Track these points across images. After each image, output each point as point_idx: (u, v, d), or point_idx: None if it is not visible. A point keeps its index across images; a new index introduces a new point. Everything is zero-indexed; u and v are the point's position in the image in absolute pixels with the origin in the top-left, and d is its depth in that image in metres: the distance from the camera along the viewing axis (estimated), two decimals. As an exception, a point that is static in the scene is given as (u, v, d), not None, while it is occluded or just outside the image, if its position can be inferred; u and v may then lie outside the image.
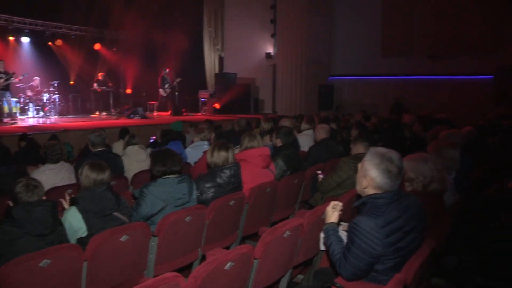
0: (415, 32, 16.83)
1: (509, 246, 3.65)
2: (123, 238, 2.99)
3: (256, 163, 4.43)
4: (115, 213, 3.31)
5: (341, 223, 2.70)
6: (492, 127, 7.63)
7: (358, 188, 2.60)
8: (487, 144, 6.38)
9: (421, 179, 3.08)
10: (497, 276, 3.65)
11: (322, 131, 6.02)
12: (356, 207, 2.59)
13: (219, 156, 4.03)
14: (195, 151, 6.14)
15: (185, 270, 3.52)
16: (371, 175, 2.48)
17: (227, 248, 3.84)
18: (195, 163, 5.66)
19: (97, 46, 16.52)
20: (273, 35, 18.27)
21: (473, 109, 13.79)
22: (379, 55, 17.55)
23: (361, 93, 17.86)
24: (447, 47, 16.10)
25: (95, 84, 14.63)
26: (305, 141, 6.66)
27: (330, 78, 18.53)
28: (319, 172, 4.92)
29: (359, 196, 2.62)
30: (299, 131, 7.30)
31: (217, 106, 16.61)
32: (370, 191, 2.50)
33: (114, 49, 16.86)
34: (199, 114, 16.54)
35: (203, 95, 17.30)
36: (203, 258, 3.67)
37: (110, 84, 14.75)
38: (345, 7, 18.05)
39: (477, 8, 15.52)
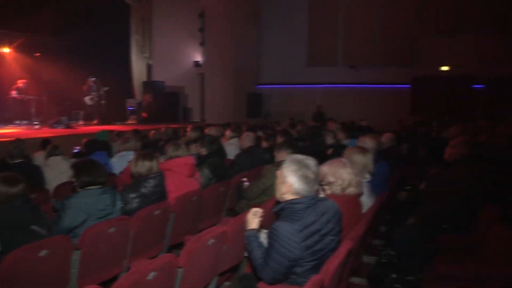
0: (338, 43, 17.61)
1: (416, 243, 3.91)
2: (42, 253, 2.89)
3: (181, 172, 4.44)
4: (33, 227, 3.19)
5: (262, 229, 2.78)
6: (407, 133, 8.10)
7: (278, 194, 2.70)
8: (402, 149, 6.77)
9: (339, 182, 3.25)
10: (409, 271, 3.89)
11: (248, 139, 6.13)
12: (275, 213, 2.68)
13: (143, 166, 4.00)
14: (121, 161, 6.04)
15: (110, 283, 3.45)
16: (289, 181, 2.58)
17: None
18: (120, 173, 5.58)
19: (14, 51, 15.63)
20: (201, 44, 18.29)
21: (392, 117, 14.55)
22: (305, 64, 18.15)
23: (289, 101, 18.27)
24: (369, 57, 16.96)
25: (14, 92, 13.86)
26: (231, 149, 6.73)
27: (258, 86, 18.86)
28: (244, 179, 5.01)
29: (279, 202, 2.71)
30: (225, 139, 7.37)
31: (144, 115, 16.35)
32: (289, 196, 2.60)
33: (37, 54, 16.06)
34: (127, 123, 16.18)
35: (130, 104, 16.95)
36: (129, 270, 3.61)
37: (31, 92, 14.05)
38: (272, 17, 18.49)
39: (395, 22, 16.52)
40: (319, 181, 2.76)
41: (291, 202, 2.57)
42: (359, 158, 3.81)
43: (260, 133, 8.16)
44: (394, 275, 3.88)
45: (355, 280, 4.09)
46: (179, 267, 2.71)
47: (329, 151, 6.00)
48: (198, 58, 18.66)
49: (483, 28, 15.42)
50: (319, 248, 2.53)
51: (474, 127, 11.62)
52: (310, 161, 2.64)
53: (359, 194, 3.38)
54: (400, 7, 16.48)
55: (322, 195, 3.41)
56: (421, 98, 16.15)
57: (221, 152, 6.01)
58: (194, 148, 6.01)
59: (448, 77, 15.84)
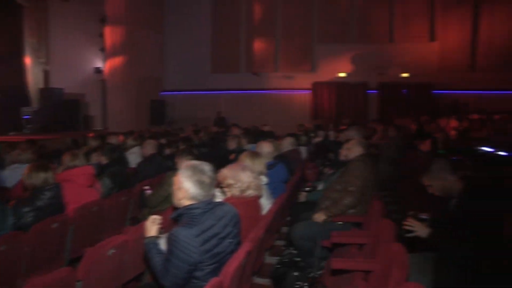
0: (241, 50, 17.96)
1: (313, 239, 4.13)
2: None
3: (80, 183, 4.31)
4: None
5: (162, 236, 2.80)
6: (308, 137, 8.47)
7: (175, 200, 2.73)
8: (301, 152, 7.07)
9: (239, 185, 3.36)
10: (310, 267, 4.10)
11: (150, 147, 6.09)
12: (174, 219, 2.72)
13: (38, 177, 3.85)
14: (14, 173, 5.70)
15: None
16: (185, 187, 2.62)
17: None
18: (14, 186, 5.28)
19: None
20: (102, 50, 17.71)
21: (295, 121, 15.08)
22: (209, 71, 18.29)
23: (194, 107, 18.23)
24: (271, 64, 17.48)
25: None
26: (133, 157, 6.63)
27: (162, 93, 18.66)
28: (146, 187, 4.97)
29: (177, 209, 2.74)
30: (128, 148, 7.24)
31: (42, 123, 15.47)
32: (186, 202, 2.63)
33: None
34: (22, 132, 15.22)
35: (26, 112, 15.94)
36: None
37: None
38: (176, 24, 18.39)
39: (296, 29, 17.19)
40: (216, 185, 2.84)
41: (188, 207, 2.61)
42: (249, 163, 3.94)
43: (163, 140, 8.10)
44: (295, 273, 4.04)
45: (259, 280, 4.20)
46: (78, 281, 2.64)
47: (232, 156, 6.13)
48: (99, 64, 18.03)
49: (376, 38, 16.56)
50: (218, 251, 2.60)
51: (367, 129, 12.42)
52: (206, 166, 2.71)
53: (258, 197, 3.51)
54: (300, 15, 17.19)
55: (222, 197, 3.51)
56: (320, 102, 17.00)
57: (122, 160, 5.91)
58: (95, 157, 5.84)
59: (344, 82, 16.80)
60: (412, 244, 3.22)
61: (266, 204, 3.86)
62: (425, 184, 3.19)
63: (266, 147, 4.92)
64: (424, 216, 3.18)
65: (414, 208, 3.27)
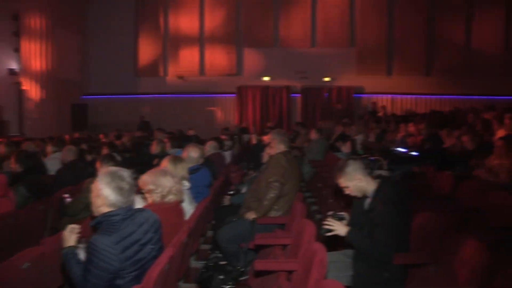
0: (165, 53, 17.72)
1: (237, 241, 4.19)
2: None
3: (-11, 193, 4.09)
4: None
5: (80, 245, 2.72)
6: (232, 141, 8.55)
7: (94, 208, 2.66)
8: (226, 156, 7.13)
9: (159, 190, 3.33)
10: (235, 270, 4.15)
11: (70, 153, 5.86)
12: (93, 227, 2.66)
13: None
14: None
15: None
16: (104, 194, 2.56)
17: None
18: None
19: None
20: (16, 50, 16.69)
21: (220, 125, 15.14)
22: (133, 74, 17.87)
23: (118, 112, 17.71)
24: (196, 67, 17.39)
25: None
26: (52, 164, 6.36)
27: (84, 97, 18.00)
28: (66, 195, 4.78)
29: (95, 217, 2.67)
30: (47, 154, 6.94)
31: None
32: (105, 209, 2.57)
33: None
34: None
35: None
36: None
37: None
38: (99, 27, 17.81)
39: (220, 33, 17.24)
40: (137, 191, 2.81)
41: (107, 214, 2.55)
42: (171, 168, 3.92)
43: (84, 146, 7.83)
44: (221, 277, 4.07)
45: (185, 286, 4.19)
46: (-11, 299, 2.51)
47: (155, 161, 6.05)
48: (14, 65, 16.99)
49: (298, 42, 16.99)
50: (140, 258, 2.57)
51: (291, 132, 12.73)
52: (125, 172, 2.66)
53: (180, 202, 3.50)
54: (224, 19, 17.26)
55: (143, 203, 3.47)
56: (245, 106, 17.19)
57: (40, 168, 5.64)
58: (7, 165, 5.55)
59: (269, 86, 17.10)
60: (334, 242, 3.36)
61: (188, 208, 3.86)
62: (341, 185, 3.32)
63: (193, 152, 4.91)
64: (342, 214, 3.33)
65: (334, 208, 3.42)
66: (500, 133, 7.18)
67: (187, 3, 17.44)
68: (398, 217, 3.05)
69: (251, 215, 4.40)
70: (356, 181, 3.22)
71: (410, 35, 16.98)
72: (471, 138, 5.94)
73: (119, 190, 2.57)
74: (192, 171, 4.46)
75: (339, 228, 3.15)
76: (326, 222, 3.19)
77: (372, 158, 5.96)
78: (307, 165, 8.22)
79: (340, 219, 3.27)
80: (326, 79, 16.94)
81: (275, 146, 4.76)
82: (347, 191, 3.30)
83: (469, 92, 16.62)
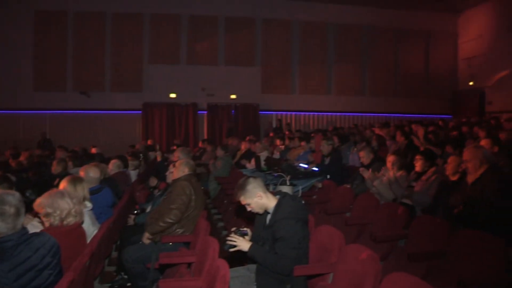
0: (68, 68, 16.86)
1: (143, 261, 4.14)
2: None
3: None
4: None
5: None
6: (137, 159, 8.37)
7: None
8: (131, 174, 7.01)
9: (58, 213, 3.18)
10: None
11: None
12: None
13: None
14: None
15: None
16: None
17: None
18: None
19: None
20: None
21: (126, 142, 14.76)
22: (32, 89, 16.76)
23: (14, 128, 16.59)
24: (100, 83, 16.78)
25: None
26: None
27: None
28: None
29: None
30: None
31: None
32: (-8, 236, 2.45)
33: None
34: None
35: None
36: None
37: None
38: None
39: (125, 49, 16.86)
40: (33, 215, 2.70)
41: (-2, 241, 2.44)
42: (70, 188, 3.80)
43: (-25, 166, 7.29)
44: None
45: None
46: None
47: (56, 181, 5.79)
48: None
49: (204, 60, 17.13)
50: (36, 285, 2.47)
51: (197, 149, 12.77)
52: (9, 196, 2.55)
53: (80, 223, 3.39)
54: (130, 34, 16.91)
55: (40, 227, 3.32)
56: (151, 123, 16.93)
57: None
58: None
59: (175, 103, 17.02)
60: (241, 258, 3.45)
61: (91, 230, 3.75)
62: (242, 203, 3.42)
63: (91, 172, 4.76)
64: (245, 230, 3.43)
65: (239, 224, 3.51)
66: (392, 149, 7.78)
67: (92, 16, 16.84)
68: (298, 231, 3.20)
69: (145, 238, 4.38)
70: (257, 198, 3.33)
71: (310, 54, 17.95)
72: (367, 153, 6.33)
73: (2, 215, 2.46)
74: (94, 191, 4.34)
75: (242, 243, 3.25)
76: (229, 238, 3.28)
77: (275, 174, 6.18)
78: (213, 181, 8.31)
79: (243, 234, 3.37)
80: (233, 96, 17.21)
81: (179, 167, 4.76)
82: (248, 208, 3.41)
83: (368, 110, 18.17)
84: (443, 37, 19.37)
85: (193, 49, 17.22)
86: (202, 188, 8.64)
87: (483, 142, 5.68)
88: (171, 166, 5.42)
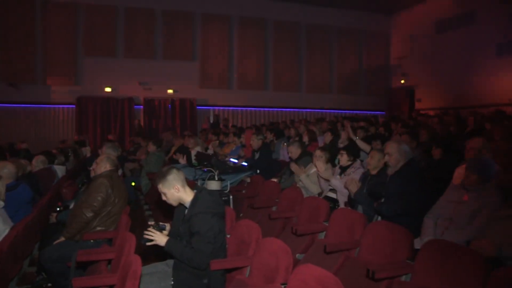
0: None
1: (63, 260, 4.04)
2: None
3: None
4: None
5: None
6: (65, 154, 8.13)
7: None
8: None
9: None
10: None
11: None
12: None
13: None
14: None
15: None
16: None
17: None
18: None
19: None
20: None
21: (58, 137, 14.22)
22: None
23: None
24: (31, 74, 15.94)
25: None
26: None
27: None
28: None
29: None
30: None
31: None
32: None
33: None
34: None
35: None
36: None
37: None
38: None
39: (57, 40, 16.11)
40: None
41: None
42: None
43: None
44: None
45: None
46: None
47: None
48: None
49: (141, 53, 16.76)
50: None
51: (132, 145, 12.58)
52: None
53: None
54: (64, 25, 16.19)
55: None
56: (86, 118, 16.35)
57: None
58: None
59: (111, 97, 16.58)
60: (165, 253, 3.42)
61: (2, 229, 3.61)
62: (160, 190, 3.40)
63: (6, 168, 4.58)
64: (163, 225, 3.42)
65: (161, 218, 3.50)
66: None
67: (20, 3, 15.89)
68: (214, 225, 3.22)
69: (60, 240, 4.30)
70: (174, 190, 3.34)
71: (248, 50, 18.10)
72: (295, 148, 6.44)
73: None
74: (9, 188, 4.18)
75: (159, 238, 3.25)
76: (146, 232, 3.26)
77: (205, 169, 6.19)
78: (145, 177, 8.20)
79: (161, 229, 3.36)
80: (170, 91, 17.00)
81: (100, 163, 4.67)
82: (164, 198, 3.40)
83: (305, 106, 18.57)
84: (376, 37, 20.08)
85: (130, 42, 16.77)
86: (134, 184, 8.62)
87: (403, 138, 5.93)
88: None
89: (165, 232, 3.40)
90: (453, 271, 2.78)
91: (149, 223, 3.41)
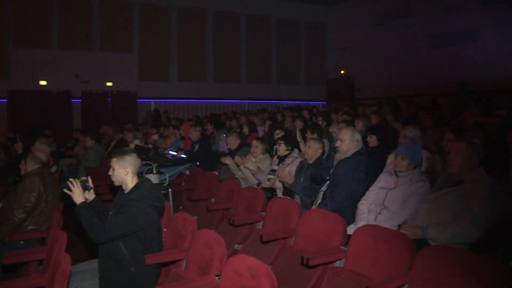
0: None
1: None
2: None
3: None
4: None
5: None
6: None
7: None
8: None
9: None
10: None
11: None
12: None
13: None
14: None
15: None
16: None
17: None
18: None
19: None
20: None
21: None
22: None
23: None
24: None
25: None
26: None
27: None
28: None
29: None
30: None
31: None
32: None
33: None
34: None
35: None
36: None
37: None
38: None
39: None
40: None
41: None
42: None
43: None
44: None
45: None
46: None
47: None
48: None
49: (78, 45, 16.13)
50: None
51: (71, 140, 12.18)
52: None
53: None
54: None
55: None
56: (18, 113, 15.54)
57: None
58: None
59: (46, 91, 15.90)
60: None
61: None
62: (111, 164, 3.38)
63: None
64: (89, 186, 3.39)
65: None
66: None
67: None
68: (141, 215, 3.17)
69: None
70: (122, 171, 3.30)
71: (190, 43, 17.90)
72: (234, 139, 6.46)
73: None
74: None
75: (78, 194, 3.23)
76: (72, 181, 3.25)
77: (144, 163, 6.08)
78: (83, 173, 7.96)
79: (86, 188, 3.35)
80: (109, 83, 16.54)
81: (30, 160, 4.50)
82: (110, 172, 3.36)
83: (246, 97, 18.63)
84: (316, 28, 20.43)
85: (65, 33, 16.10)
86: (71, 180, 8.34)
87: (340, 126, 6.04)
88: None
89: (88, 194, 3.36)
90: (384, 254, 2.88)
91: (82, 178, 3.39)
